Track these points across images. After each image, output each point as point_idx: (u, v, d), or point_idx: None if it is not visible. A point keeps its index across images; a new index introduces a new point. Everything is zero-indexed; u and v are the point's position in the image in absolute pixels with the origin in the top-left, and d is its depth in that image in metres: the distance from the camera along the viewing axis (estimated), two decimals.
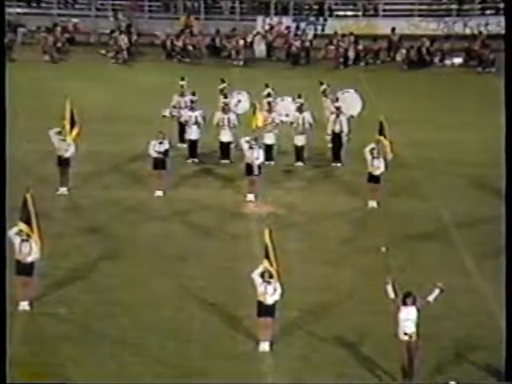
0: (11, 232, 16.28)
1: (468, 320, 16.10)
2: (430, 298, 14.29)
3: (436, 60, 37.43)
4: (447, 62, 37.46)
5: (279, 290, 15.19)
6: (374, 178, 21.88)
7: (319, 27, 38.85)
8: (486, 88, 32.85)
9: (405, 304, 14.11)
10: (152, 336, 15.64)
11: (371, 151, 21.72)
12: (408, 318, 14.06)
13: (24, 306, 16.48)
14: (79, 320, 16.13)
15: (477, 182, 23.37)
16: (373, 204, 21.91)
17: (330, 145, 25.05)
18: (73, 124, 22.33)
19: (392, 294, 14.34)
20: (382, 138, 22.24)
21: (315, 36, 38.33)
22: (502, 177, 22.13)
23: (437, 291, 14.31)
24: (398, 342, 14.13)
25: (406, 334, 14.04)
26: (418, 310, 14.14)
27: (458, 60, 37.49)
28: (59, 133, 22.16)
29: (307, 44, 37.29)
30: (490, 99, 30.19)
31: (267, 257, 15.06)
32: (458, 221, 21.01)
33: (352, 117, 25.28)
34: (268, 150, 24.23)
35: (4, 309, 12.93)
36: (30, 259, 16.42)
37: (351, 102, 25.82)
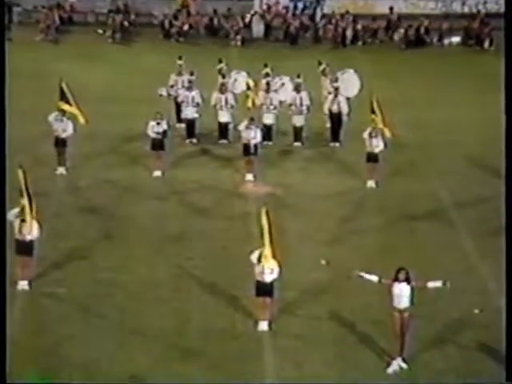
0: (11, 212, 16.28)
1: (465, 299, 16.12)
2: (430, 284, 14.30)
3: (434, 39, 37.32)
4: (445, 41, 37.35)
5: (277, 269, 15.20)
6: (372, 158, 21.85)
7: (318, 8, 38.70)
8: (484, 67, 32.81)
9: (397, 279, 14.12)
10: (150, 316, 15.66)
11: (369, 133, 21.69)
12: (401, 293, 14.09)
13: (23, 285, 16.51)
14: (78, 300, 16.15)
15: (476, 162, 23.36)
16: (371, 184, 21.90)
17: (327, 125, 25.03)
18: (68, 103, 22.27)
19: (373, 277, 14.40)
20: (374, 116, 22.18)
21: (323, 16, 38.14)
22: (500, 156, 22.21)
23: (439, 283, 14.31)
24: (391, 317, 14.16)
25: (398, 309, 14.08)
26: (412, 288, 14.16)
27: (456, 39, 37.38)
28: (58, 114, 22.14)
29: (318, 22, 37.12)
30: (489, 78, 30.18)
31: (266, 236, 15.04)
32: (456, 200, 21.01)
33: (348, 98, 25.23)
34: (267, 130, 24.21)
35: (4, 310, 12.92)
36: (29, 238, 16.43)
37: (350, 83, 25.75)
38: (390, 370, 14.13)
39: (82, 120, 22.30)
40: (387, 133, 22.12)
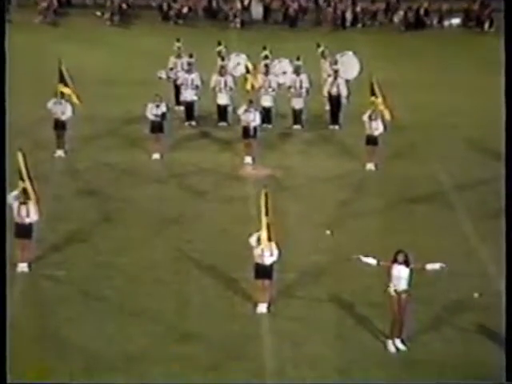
0: (10, 195, 16.28)
1: (465, 282, 16.14)
2: (428, 267, 14.32)
3: (434, 21, 37.22)
4: (445, 23, 37.25)
5: (276, 252, 15.21)
6: (372, 141, 21.83)
7: None
8: (485, 49, 32.72)
9: (396, 261, 14.14)
10: (150, 298, 15.69)
11: (369, 116, 21.66)
12: (400, 275, 14.12)
13: (23, 267, 16.53)
14: (77, 282, 16.18)
15: (476, 144, 23.33)
16: (371, 167, 21.89)
17: (327, 107, 24.99)
18: (66, 85, 22.22)
19: (371, 260, 14.42)
20: (374, 98, 22.13)
21: None
22: (500, 139, 22.18)
23: (438, 265, 14.32)
24: (389, 298, 14.18)
25: (396, 291, 14.10)
26: (411, 270, 14.18)
27: (456, 21, 37.27)
28: (57, 98, 22.09)
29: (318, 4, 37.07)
30: (490, 60, 30.09)
31: (263, 218, 15.03)
32: (456, 183, 21.00)
33: (347, 81, 25.18)
34: (266, 112, 24.16)
35: (4, 309, 12.92)
36: (28, 221, 16.44)
37: (349, 65, 25.69)
38: (390, 350, 14.16)
39: (75, 100, 22.18)
40: (387, 115, 22.08)
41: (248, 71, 24.61)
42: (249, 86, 24.23)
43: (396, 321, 14.25)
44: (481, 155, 22.69)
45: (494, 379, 13.35)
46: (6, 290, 12.73)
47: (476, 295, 15.51)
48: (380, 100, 22.06)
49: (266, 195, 15.15)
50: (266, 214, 15.01)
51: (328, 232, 16.32)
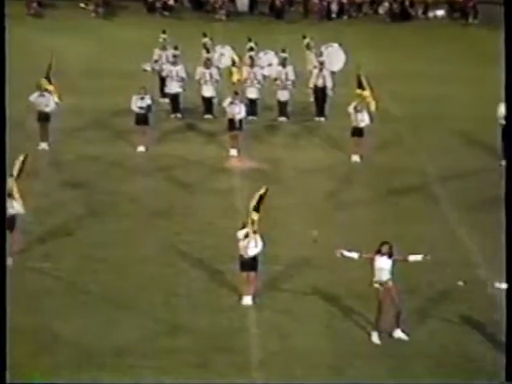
0: None
1: (451, 273, 16.16)
2: (411, 258, 14.32)
3: (419, 12, 37.28)
4: (430, 14, 37.32)
5: (260, 244, 15.20)
6: (357, 132, 21.84)
7: None
8: (469, 40, 32.80)
9: (379, 252, 14.13)
10: (138, 291, 15.63)
11: (355, 107, 21.66)
12: (383, 267, 14.11)
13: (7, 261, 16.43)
14: (63, 275, 16.11)
15: (462, 136, 23.38)
16: (356, 158, 21.90)
17: (311, 99, 24.98)
18: (50, 82, 22.14)
19: (354, 254, 14.40)
20: (361, 90, 22.13)
21: None
22: (487, 130, 22.25)
23: (420, 257, 14.32)
24: (375, 291, 14.18)
25: (379, 282, 14.11)
26: (394, 262, 14.17)
27: (440, 12, 37.36)
28: (40, 89, 22.00)
29: None
30: (474, 51, 30.20)
31: (256, 210, 14.98)
32: (442, 174, 21.04)
33: (333, 73, 25.18)
34: (251, 104, 24.15)
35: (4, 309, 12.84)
36: (11, 212, 16.31)
37: (334, 57, 25.74)
38: (374, 341, 14.16)
39: (56, 99, 22.07)
40: (372, 106, 22.08)
41: (234, 64, 24.56)
42: (234, 79, 24.20)
43: (382, 312, 14.24)
44: (468, 146, 22.74)
45: (480, 368, 13.40)
46: (5, 290, 12.67)
47: (460, 283, 15.55)
48: (367, 92, 22.06)
49: (266, 192, 15.10)
50: (257, 210, 14.96)
51: (314, 233, 16.15)
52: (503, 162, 20.86)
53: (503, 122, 19.62)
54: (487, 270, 16.05)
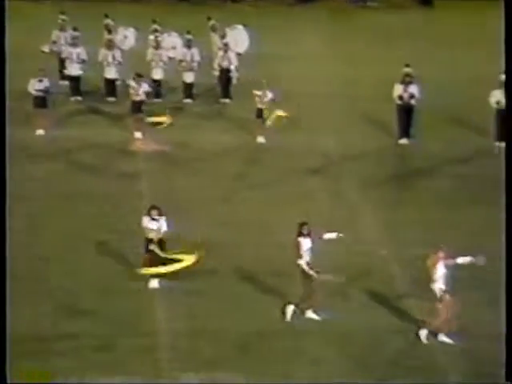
0: None
1: (354, 249, 16.19)
2: (326, 236, 14.28)
3: None
4: None
5: (164, 226, 15.08)
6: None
7: None
8: (373, 22, 33.15)
9: (302, 234, 14.06)
10: (46, 275, 15.33)
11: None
12: (309, 247, 14.05)
13: None
14: None
15: (369, 117, 23.55)
16: (261, 140, 21.87)
17: (215, 81, 24.85)
18: None
19: (332, 235, 14.23)
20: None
21: None
22: (389, 111, 22.56)
23: (334, 235, 14.31)
24: (302, 272, 14.08)
25: (307, 262, 14.03)
26: (312, 241, 14.14)
27: None
28: None
29: None
30: (377, 33, 30.49)
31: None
32: (345, 154, 21.20)
33: (239, 54, 25.09)
34: (156, 86, 23.88)
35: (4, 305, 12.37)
36: None
37: (239, 39, 25.65)
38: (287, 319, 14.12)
39: None
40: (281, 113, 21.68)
41: None
42: None
43: (308, 293, 14.17)
44: (373, 127, 22.96)
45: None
46: (5, 290, 12.27)
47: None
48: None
49: None
50: None
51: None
52: (401, 141, 21.60)
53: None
54: (385, 246, 16.38)
